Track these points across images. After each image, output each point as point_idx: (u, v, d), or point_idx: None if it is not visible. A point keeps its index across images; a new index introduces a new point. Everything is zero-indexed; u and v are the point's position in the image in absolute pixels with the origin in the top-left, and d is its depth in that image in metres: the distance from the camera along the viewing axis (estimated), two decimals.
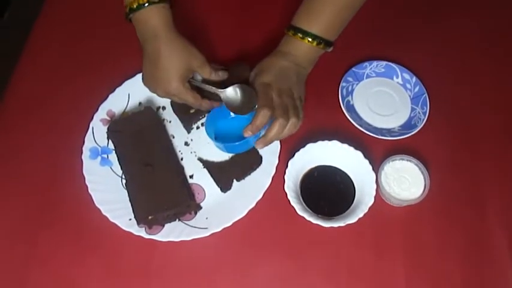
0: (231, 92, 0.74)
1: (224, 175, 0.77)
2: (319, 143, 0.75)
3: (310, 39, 0.73)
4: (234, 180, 0.76)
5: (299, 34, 0.73)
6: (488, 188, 0.77)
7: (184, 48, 0.72)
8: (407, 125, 0.82)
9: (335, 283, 0.71)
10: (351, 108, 0.83)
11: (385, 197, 0.74)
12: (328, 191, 0.75)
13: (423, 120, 0.80)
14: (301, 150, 0.74)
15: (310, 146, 0.74)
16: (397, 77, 0.86)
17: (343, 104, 0.82)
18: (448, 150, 0.80)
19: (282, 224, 0.74)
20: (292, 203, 0.70)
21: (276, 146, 0.77)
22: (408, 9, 0.94)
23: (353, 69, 0.86)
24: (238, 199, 0.74)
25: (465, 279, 0.71)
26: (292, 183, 0.72)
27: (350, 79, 0.86)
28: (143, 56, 0.73)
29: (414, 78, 0.84)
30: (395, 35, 0.89)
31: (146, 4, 0.69)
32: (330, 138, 0.75)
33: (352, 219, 0.69)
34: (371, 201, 0.70)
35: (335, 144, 0.75)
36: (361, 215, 0.69)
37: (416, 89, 0.84)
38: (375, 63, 0.86)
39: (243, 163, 0.77)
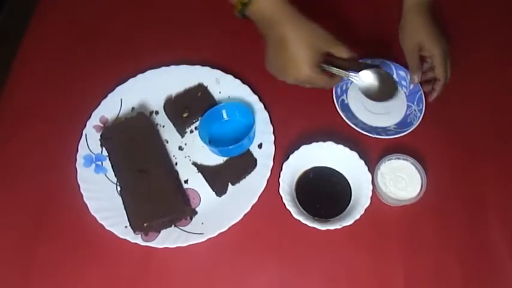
0: (367, 76, 0.71)
1: (219, 179, 0.76)
2: (314, 144, 0.74)
3: None
4: (229, 184, 0.76)
5: None
6: (486, 186, 0.76)
7: (310, 30, 0.67)
8: (403, 123, 0.80)
9: (334, 284, 0.70)
10: (346, 108, 0.82)
11: (382, 197, 0.73)
12: (324, 192, 0.74)
13: (419, 117, 0.79)
14: (296, 152, 0.73)
15: (304, 148, 0.74)
16: (393, 75, 0.84)
17: (338, 103, 0.81)
18: (445, 148, 0.79)
19: (278, 227, 0.73)
20: (288, 206, 0.70)
21: (270, 148, 0.77)
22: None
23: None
24: (233, 203, 0.74)
25: (465, 279, 0.70)
26: (287, 185, 0.72)
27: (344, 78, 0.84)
28: (267, 44, 0.69)
29: (410, 76, 0.83)
30: (390, 33, 0.87)
31: None
32: (324, 139, 0.74)
33: (349, 221, 0.68)
34: (367, 203, 0.69)
35: (330, 145, 0.74)
36: (357, 217, 0.68)
37: (412, 86, 0.83)
38: (369, 61, 0.84)
39: (238, 166, 0.76)
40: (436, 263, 0.71)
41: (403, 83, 0.84)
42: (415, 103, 0.81)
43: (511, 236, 0.72)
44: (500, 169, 0.77)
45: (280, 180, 0.71)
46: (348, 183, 0.74)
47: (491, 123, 0.81)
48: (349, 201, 0.72)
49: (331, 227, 0.68)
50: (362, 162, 0.72)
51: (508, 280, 0.70)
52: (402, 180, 0.73)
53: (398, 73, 0.84)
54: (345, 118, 0.79)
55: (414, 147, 0.77)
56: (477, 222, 0.74)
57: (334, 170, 0.75)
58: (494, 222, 0.73)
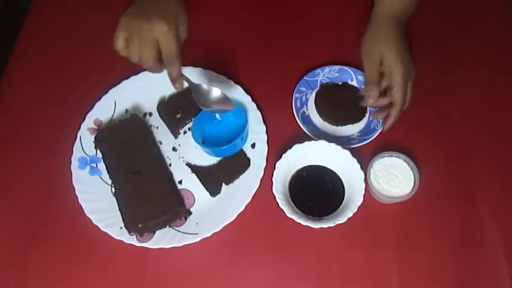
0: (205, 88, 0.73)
1: (213, 179, 0.76)
2: (306, 143, 0.74)
3: None
4: (223, 184, 0.76)
5: None
6: (479, 182, 0.76)
7: (182, 2, 0.70)
8: (367, 130, 0.79)
9: (328, 283, 0.71)
10: (307, 120, 0.80)
11: (375, 195, 0.74)
12: (317, 191, 0.74)
13: (382, 122, 0.77)
14: (288, 151, 0.73)
15: (297, 147, 0.74)
16: (352, 80, 0.83)
17: (298, 117, 0.79)
18: (437, 145, 0.79)
19: (272, 226, 0.74)
20: (281, 206, 0.70)
21: (263, 148, 0.77)
22: (351, 10, 0.91)
23: (305, 78, 0.82)
24: (227, 203, 0.74)
25: (458, 274, 0.70)
26: (280, 185, 0.72)
27: (303, 89, 0.82)
28: (133, 3, 0.69)
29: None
30: (345, 38, 0.86)
31: None
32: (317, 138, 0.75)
33: (342, 219, 0.69)
34: (360, 200, 0.69)
35: (322, 143, 0.74)
36: (350, 215, 0.69)
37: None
38: (327, 68, 0.83)
39: (231, 166, 0.77)
40: (430, 259, 0.72)
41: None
42: (377, 108, 0.78)
43: (504, 232, 0.72)
44: (493, 165, 0.77)
45: (273, 179, 0.72)
46: (341, 181, 0.74)
47: (483, 119, 0.81)
48: (342, 199, 0.73)
49: (325, 225, 0.69)
50: (354, 160, 0.72)
51: (501, 275, 0.70)
52: (395, 177, 0.73)
53: (357, 78, 0.82)
54: (306, 131, 0.78)
55: (406, 145, 0.78)
56: (470, 218, 0.74)
57: (327, 168, 0.75)
58: (487, 218, 0.73)
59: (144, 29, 0.65)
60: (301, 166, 0.75)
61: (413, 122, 0.79)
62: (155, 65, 0.67)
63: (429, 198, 0.74)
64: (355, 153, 0.74)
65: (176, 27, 0.66)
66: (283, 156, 0.73)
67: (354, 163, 0.72)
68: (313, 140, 0.75)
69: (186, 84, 0.70)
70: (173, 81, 0.69)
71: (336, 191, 0.74)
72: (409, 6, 0.74)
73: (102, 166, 0.78)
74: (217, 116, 0.80)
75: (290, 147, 0.73)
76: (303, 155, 0.74)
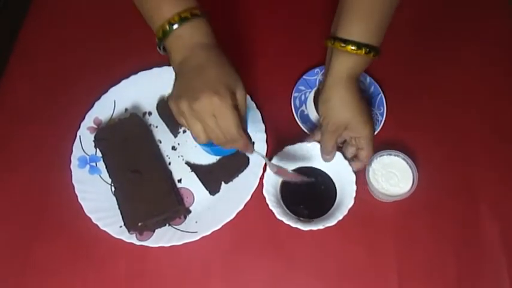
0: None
1: (212, 178, 0.77)
2: (298, 144, 0.74)
3: (353, 48, 0.64)
4: (222, 183, 0.76)
5: (340, 43, 0.64)
6: (478, 179, 0.76)
7: (232, 66, 0.62)
8: None
9: (327, 281, 0.71)
10: (306, 119, 0.80)
11: (374, 194, 0.74)
12: (308, 193, 0.74)
13: (381, 121, 0.78)
14: (279, 153, 0.73)
15: (288, 149, 0.74)
16: None
17: (297, 115, 0.79)
18: (436, 143, 0.79)
19: (271, 225, 0.73)
20: (271, 207, 0.69)
21: (262, 146, 0.77)
22: None
23: (304, 77, 0.82)
24: (226, 201, 0.75)
25: (458, 272, 0.70)
26: (271, 187, 0.72)
27: (302, 88, 0.82)
28: (178, 76, 0.62)
29: (368, 79, 0.81)
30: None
31: (188, 18, 0.60)
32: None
33: (332, 222, 0.68)
34: (351, 203, 0.69)
35: (314, 145, 0.74)
36: (340, 217, 0.68)
37: (372, 89, 0.81)
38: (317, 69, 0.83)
39: (231, 165, 0.77)
40: (430, 257, 0.72)
41: (362, 87, 0.81)
42: (376, 107, 0.80)
43: (503, 229, 0.73)
44: (492, 162, 0.77)
45: (263, 181, 0.71)
46: (333, 183, 0.74)
47: (482, 117, 0.81)
48: (334, 202, 0.72)
49: (314, 228, 0.68)
50: (346, 162, 0.72)
51: (501, 273, 0.70)
52: (394, 176, 0.73)
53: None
54: (305, 130, 0.78)
55: (405, 143, 0.78)
56: (469, 215, 0.74)
57: (319, 170, 0.75)
58: (487, 216, 0.73)
59: (196, 110, 0.57)
60: (292, 168, 0.75)
61: (412, 120, 0.80)
62: (226, 141, 0.60)
63: (428, 197, 0.75)
64: None
65: (231, 95, 0.58)
66: (274, 157, 0.73)
67: (345, 165, 0.72)
68: (306, 141, 0.75)
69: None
70: (243, 151, 0.65)
71: (327, 193, 0.73)
72: (367, 62, 0.67)
73: (101, 165, 0.78)
74: None
75: (281, 149, 0.73)
76: (295, 156, 0.74)
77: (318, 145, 0.73)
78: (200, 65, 0.60)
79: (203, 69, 0.59)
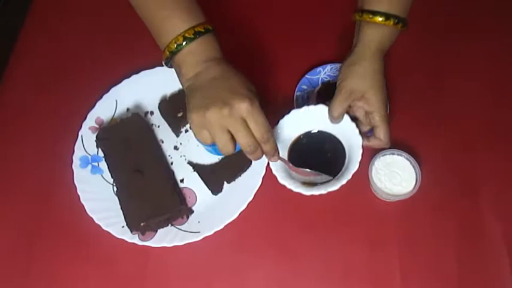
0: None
1: (214, 178, 0.76)
2: (305, 108, 0.72)
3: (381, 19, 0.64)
4: (225, 183, 0.76)
5: (369, 15, 0.65)
6: (481, 179, 0.76)
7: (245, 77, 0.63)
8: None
9: (330, 280, 0.71)
10: None
11: (377, 193, 0.74)
12: (317, 157, 0.72)
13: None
14: (286, 116, 0.71)
15: (295, 112, 0.72)
16: None
17: None
18: (438, 142, 0.79)
19: (274, 224, 0.74)
20: (274, 172, 0.68)
21: None
22: (352, 8, 0.90)
23: (306, 76, 0.82)
24: (229, 201, 0.74)
25: (461, 271, 0.70)
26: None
27: (305, 87, 0.82)
28: (191, 93, 0.61)
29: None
30: (347, 36, 0.82)
31: (201, 33, 0.61)
32: None
33: (335, 186, 0.66)
34: (355, 168, 0.66)
35: (322, 108, 0.71)
36: (343, 182, 0.66)
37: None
38: (328, 66, 0.82)
39: (233, 165, 0.77)
40: (432, 256, 0.71)
41: None
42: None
43: (506, 229, 0.72)
44: (495, 162, 0.77)
45: None
46: (343, 147, 0.72)
47: (484, 116, 0.80)
48: (343, 167, 0.70)
49: (316, 192, 0.66)
50: (353, 125, 0.69)
51: (503, 272, 0.70)
52: (397, 175, 0.73)
53: None
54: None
55: (408, 142, 0.77)
56: (472, 215, 0.74)
57: (328, 133, 0.73)
58: (489, 215, 0.73)
59: (226, 116, 0.57)
60: (300, 132, 0.73)
61: (415, 119, 0.79)
62: (256, 147, 0.61)
63: (431, 196, 0.74)
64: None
65: (256, 99, 0.60)
66: (281, 121, 0.71)
67: (352, 128, 0.69)
68: (312, 105, 0.72)
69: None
70: (270, 156, 0.64)
71: (336, 157, 0.71)
72: (395, 34, 0.68)
73: (103, 165, 0.78)
74: None
75: (288, 113, 0.72)
76: (303, 120, 0.72)
77: (324, 108, 0.71)
78: (217, 77, 0.60)
79: (223, 79, 0.60)
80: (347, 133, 0.71)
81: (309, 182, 0.70)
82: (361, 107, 0.68)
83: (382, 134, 0.68)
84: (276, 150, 0.63)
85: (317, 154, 0.73)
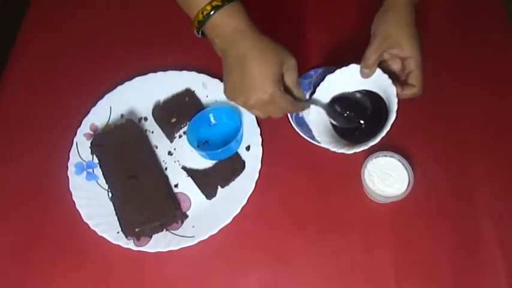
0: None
1: (208, 182, 0.77)
2: (337, 71, 0.72)
3: None
4: (219, 187, 0.77)
5: None
6: (475, 179, 0.76)
7: (274, 48, 0.63)
8: None
9: (325, 283, 0.71)
10: (301, 121, 0.79)
11: (370, 195, 0.74)
12: (359, 112, 0.73)
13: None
14: (321, 84, 0.73)
15: (329, 77, 0.72)
16: None
17: (292, 118, 0.78)
18: (431, 143, 0.79)
19: (268, 228, 0.74)
20: (317, 137, 0.71)
21: (258, 150, 0.78)
22: (344, 11, 0.91)
23: (298, 80, 0.81)
24: (223, 205, 0.75)
25: (455, 272, 0.70)
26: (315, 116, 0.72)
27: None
28: (224, 65, 0.65)
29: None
30: (339, 40, 0.86)
31: (221, 5, 0.61)
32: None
33: (375, 140, 0.68)
34: (393, 118, 0.67)
35: (355, 67, 0.71)
36: (383, 134, 0.67)
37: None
38: (320, 70, 0.81)
39: (227, 169, 0.77)
40: (426, 258, 0.71)
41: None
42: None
43: (500, 230, 0.72)
44: (487, 162, 0.77)
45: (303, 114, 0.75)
46: (384, 102, 0.72)
47: (477, 117, 0.80)
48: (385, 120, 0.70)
49: (358, 150, 0.68)
50: (385, 76, 0.69)
51: (498, 273, 0.70)
52: (389, 177, 0.73)
53: None
54: (301, 133, 0.77)
55: (401, 144, 0.77)
56: (466, 216, 0.74)
57: (365, 90, 0.73)
58: (483, 216, 0.73)
59: (251, 106, 0.64)
60: (337, 93, 0.74)
61: (407, 121, 0.79)
62: (293, 106, 0.67)
63: (424, 197, 0.74)
64: (349, 154, 0.74)
65: (278, 83, 0.63)
66: (317, 90, 0.73)
67: (385, 78, 0.69)
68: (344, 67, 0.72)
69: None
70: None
71: (377, 109, 0.72)
72: None
73: (98, 171, 0.79)
74: (212, 119, 0.81)
75: (322, 80, 0.73)
76: (338, 83, 0.73)
77: (357, 67, 0.71)
78: (242, 57, 0.62)
79: (246, 65, 0.61)
80: (381, 86, 0.71)
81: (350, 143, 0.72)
82: (396, 55, 0.69)
83: (417, 79, 0.68)
84: (304, 107, 0.70)
85: (358, 109, 0.73)
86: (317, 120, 0.72)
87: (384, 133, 0.67)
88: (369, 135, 0.70)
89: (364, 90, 0.74)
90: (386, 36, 0.67)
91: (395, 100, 0.68)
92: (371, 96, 0.73)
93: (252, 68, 0.61)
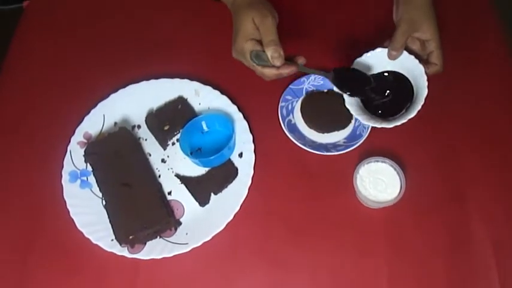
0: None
1: (201, 189, 0.77)
2: (365, 55, 0.75)
3: None
4: (212, 194, 0.77)
5: None
6: (466, 184, 0.76)
7: (255, 3, 0.72)
8: (353, 136, 0.80)
9: None
10: (293, 128, 0.81)
11: (363, 201, 0.74)
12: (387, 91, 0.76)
13: (368, 128, 0.78)
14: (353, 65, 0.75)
15: (357, 61, 0.75)
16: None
17: (284, 125, 0.80)
18: (422, 148, 0.79)
19: (261, 235, 0.75)
20: (348, 105, 0.73)
21: (250, 157, 0.78)
22: (334, 17, 0.92)
23: (290, 86, 0.83)
24: (216, 212, 0.75)
25: (448, 276, 0.71)
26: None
27: (289, 97, 0.82)
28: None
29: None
30: (329, 46, 0.87)
31: None
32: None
33: (412, 113, 0.70)
34: (425, 92, 0.71)
35: (381, 51, 0.74)
36: (419, 107, 0.70)
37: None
38: (312, 76, 0.83)
39: (220, 176, 0.78)
40: (420, 262, 0.72)
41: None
42: None
43: (493, 233, 0.73)
44: (479, 166, 0.77)
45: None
46: (410, 81, 0.75)
47: (468, 122, 0.81)
48: (412, 98, 0.74)
49: (389, 125, 0.71)
50: (412, 56, 0.73)
51: (491, 277, 0.70)
52: (382, 182, 0.74)
53: None
54: (292, 139, 0.78)
55: (392, 149, 0.78)
56: (458, 220, 0.74)
57: (392, 72, 0.76)
58: (476, 220, 0.74)
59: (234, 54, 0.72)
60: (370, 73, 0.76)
61: (399, 126, 0.79)
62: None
63: (416, 202, 0.75)
64: (341, 159, 0.75)
65: (252, 33, 0.70)
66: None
67: (412, 59, 0.73)
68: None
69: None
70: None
71: (404, 89, 0.75)
72: None
73: (92, 179, 0.79)
74: (204, 126, 0.81)
75: (351, 64, 0.75)
76: (371, 64, 0.76)
77: (383, 50, 0.74)
78: (235, 12, 0.73)
79: (234, 20, 0.73)
80: (406, 66, 0.74)
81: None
82: (418, 38, 0.74)
83: (438, 58, 0.74)
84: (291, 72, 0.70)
85: (385, 89, 0.76)
86: (351, 101, 0.74)
87: (419, 107, 0.70)
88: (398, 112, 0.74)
89: (390, 71, 0.76)
90: (412, 21, 0.73)
91: (425, 77, 0.72)
92: (396, 75, 0.76)
93: (234, 23, 0.71)
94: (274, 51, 0.68)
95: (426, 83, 0.71)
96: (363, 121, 0.73)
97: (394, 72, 0.76)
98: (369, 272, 0.72)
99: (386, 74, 0.76)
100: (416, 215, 0.75)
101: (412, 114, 0.70)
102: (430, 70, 0.74)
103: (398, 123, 0.71)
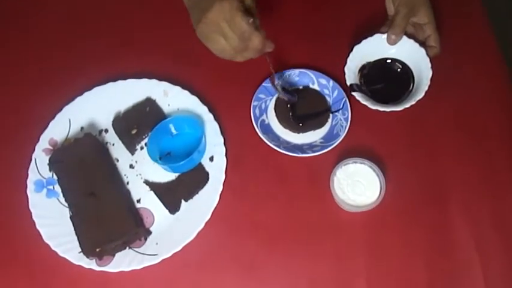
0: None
1: (171, 196, 0.74)
2: (364, 41, 0.76)
3: None
4: (182, 201, 0.74)
5: None
6: (448, 184, 0.73)
7: None
8: (330, 136, 0.76)
9: None
10: (267, 128, 0.77)
11: (340, 205, 0.71)
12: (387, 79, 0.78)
13: (346, 127, 0.74)
14: (351, 53, 0.75)
15: (358, 47, 0.76)
16: (313, 84, 0.79)
17: (257, 125, 0.76)
18: (403, 148, 0.76)
19: (234, 243, 0.71)
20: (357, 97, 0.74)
21: (221, 161, 0.74)
22: (310, 12, 0.88)
23: (263, 84, 0.78)
24: (187, 220, 0.72)
25: (431, 280, 0.68)
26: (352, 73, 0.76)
27: (262, 96, 0.78)
28: (190, 7, 0.66)
29: (332, 82, 0.78)
30: (304, 41, 0.83)
31: None
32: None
33: (420, 95, 0.72)
34: (430, 74, 0.73)
35: (379, 37, 0.76)
36: (426, 88, 0.72)
37: (335, 93, 0.77)
38: (286, 73, 0.79)
39: (190, 182, 0.74)
40: (400, 267, 0.69)
41: (326, 91, 0.79)
42: (340, 112, 0.76)
43: (476, 235, 0.70)
44: (460, 167, 0.74)
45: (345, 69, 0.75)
46: (411, 70, 0.77)
47: (449, 121, 0.77)
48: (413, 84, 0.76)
49: (397, 108, 0.72)
50: (411, 40, 0.75)
51: (476, 280, 0.67)
52: (360, 184, 0.70)
53: (319, 81, 0.79)
54: (266, 140, 0.74)
55: (371, 150, 0.74)
56: (440, 222, 0.71)
57: (390, 58, 0.78)
58: (458, 222, 0.70)
59: (211, 20, 0.61)
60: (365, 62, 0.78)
61: (378, 125, 0.76)
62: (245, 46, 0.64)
63: (397, 204, 0.72)
64: (318, 161, 0.71)
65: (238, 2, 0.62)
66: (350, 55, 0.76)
67: (412, 42, 0.75)
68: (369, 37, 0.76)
69: None
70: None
71: (404, 75, 0.77)
72: None
73: (59, 188, 0.75)
74: (173, 129, 0.77)
75: (351, 50, 0.75)
76: (365, 52, 0.77)
77: (382, 36, 0.75)
78: None
79: None
80: (409, 50, 0.76)
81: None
82: (415, 22, 0.76)
83: (435, 41, 0.76)
84: (264, 41, 0.64)
85: (385, 77, 0.78)
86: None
87: (426, 87, 0.72)
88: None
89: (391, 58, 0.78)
90: (412, 6, 0.74)
91: (427, 59, 0.74)
92: (394, 61, 0.78)
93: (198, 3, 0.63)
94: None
95: (430, 65, 0.73)
96: (371, 106, 0.73)
97: (392, 59, 0.78)
98: (347, 276, 0.69)
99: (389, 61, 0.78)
100: (397, 217, 0.71)
101: (420, 95, 0.72)
102: (430, 53, 0.75)
103: (408, 104, 0.71)
